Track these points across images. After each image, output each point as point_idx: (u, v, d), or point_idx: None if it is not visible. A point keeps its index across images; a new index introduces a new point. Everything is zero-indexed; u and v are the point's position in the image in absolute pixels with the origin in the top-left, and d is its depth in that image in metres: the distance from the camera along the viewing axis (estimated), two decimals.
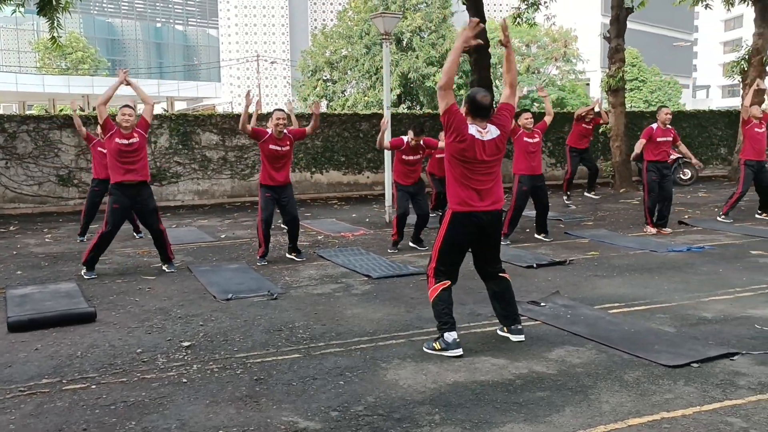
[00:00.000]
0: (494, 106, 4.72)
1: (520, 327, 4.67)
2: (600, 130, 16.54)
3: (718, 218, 10.20)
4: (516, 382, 3.87)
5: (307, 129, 7.92)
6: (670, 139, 9.06)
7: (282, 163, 7.62)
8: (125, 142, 6.99)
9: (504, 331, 4.70)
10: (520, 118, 8.61)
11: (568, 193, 12.45)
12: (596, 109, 12.39)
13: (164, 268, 7.32)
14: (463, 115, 4.44)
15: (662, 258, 7.54)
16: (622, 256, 7.71)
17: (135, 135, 7.06)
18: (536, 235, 8.92)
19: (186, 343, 4.71)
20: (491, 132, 4.46)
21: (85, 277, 7.01)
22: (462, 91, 32.44)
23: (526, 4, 16.40)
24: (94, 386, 3.95)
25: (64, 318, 5.31)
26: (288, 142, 7.64)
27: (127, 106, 7.17)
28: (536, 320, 5.15)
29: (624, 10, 15.04)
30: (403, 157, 8.24)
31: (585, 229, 9.70)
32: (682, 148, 9.29)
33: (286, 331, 4.97)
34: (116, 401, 3.72)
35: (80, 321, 5.30)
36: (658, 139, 8.98)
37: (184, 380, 4.02)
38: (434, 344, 4.47)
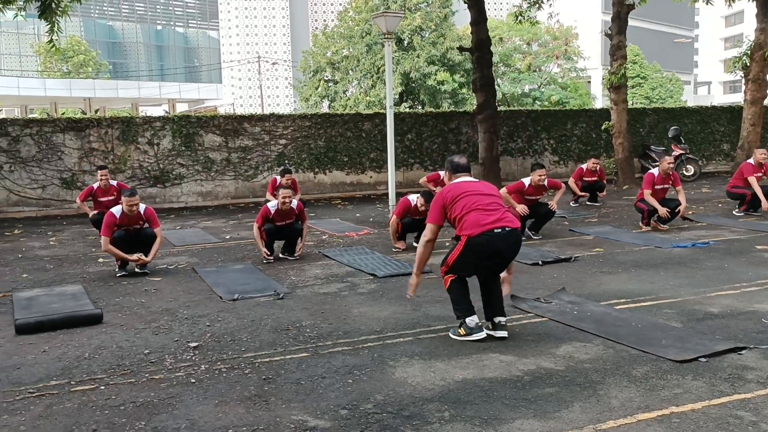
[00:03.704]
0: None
1: (503, 322, 4.64)
2: (603, 128, 16.56)
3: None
4: (524, 379, 3.87)
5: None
6: (668, 186, 9.29)
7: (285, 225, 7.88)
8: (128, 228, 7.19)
9: (488, 328, 4.66)
10: (533, 174, 8.78)
11: (576, 203, 12.37)
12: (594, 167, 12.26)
13: (137, 269, 7.34)
14: (447, 181, 4.86)
15: (667, 254, 7.54)
16: (626, 252, 7.71)
17: (139, 224, 7.24)
18: (527, 230, 8.87)
19: (193, 344, 4.72)
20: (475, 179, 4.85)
21: (117, 275, 7.16)
22: (464, 90, 32.45)
23: (528, 3, 16.38)
24: (102, 387, 3.96)
25: (71, 320, 5.32)
26: (293, 216, 7.85)
27: (132, 195, 7.17)
28: (543, 317, 5.15)
29: (625, 7, 15.03)
30: (407, 217, 8.31)
31: (589, 226, 9.70)
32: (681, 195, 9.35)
33: (294, 331, 4.98)
34: (125, 402, 3.72)
35: (87, 323, 5.31)
36: (657, 186, 9.20)
37: (193, 380, 4.03)
38: (459, 330, 4.61)
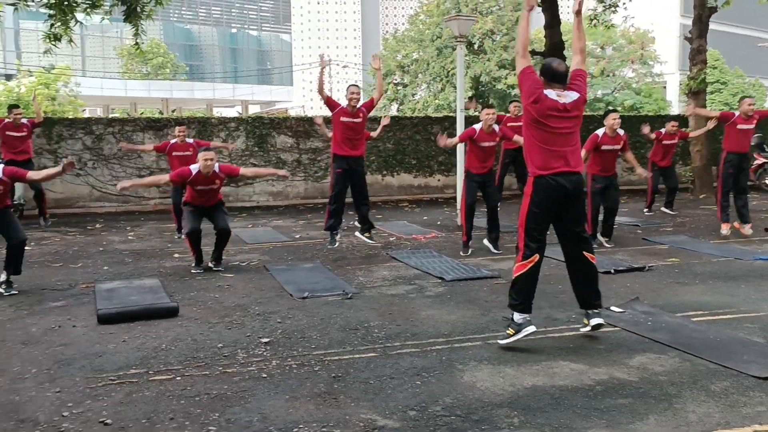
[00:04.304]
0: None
1: (598, 311, 4.63)
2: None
3: None
4: (596, 388, 3.79)
5: (374, 96, 8.17)
6: (752, 126, 8.90)
7: (356, 136, 7.88)
8: (206, 188, 7.33)
9: (584, 323, 4.67)
10: (607, 119, 8.53)
11: (650, 211, 11.96)
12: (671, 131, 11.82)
13: (211, 264, 7.54)
14: (539, 80, 4.60)
15: (748, 266, 7.24)
16: (704, 263, 7.44)
17: (216, 181, 7.38)
18: (599, 236, 8.69)
19: (265, 340, 4.82)
20: (569, 96, 4.56)
21: (193, 271, 7.36)
22: None
23: (604, 6, 16.02)
24: (179, 378, 4.09)
25: (149, 312, 5.53)
26: (361, 115, 7.87)
27: (207, 150, 7.33)
28: (615, 326, 5.03)
29: (707, 10, 14.53)
30: (481, 144, 8.04)
31: (664, 235, 9.41)
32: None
33: (362, 330, 5.02)
34: (200, 393, 3.84)
35: (164, 315, 5.50)
36: (739, 126, 8.84)
37: (264, 375, 4.12)
38: (508, 331, 4.54)
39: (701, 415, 3.40)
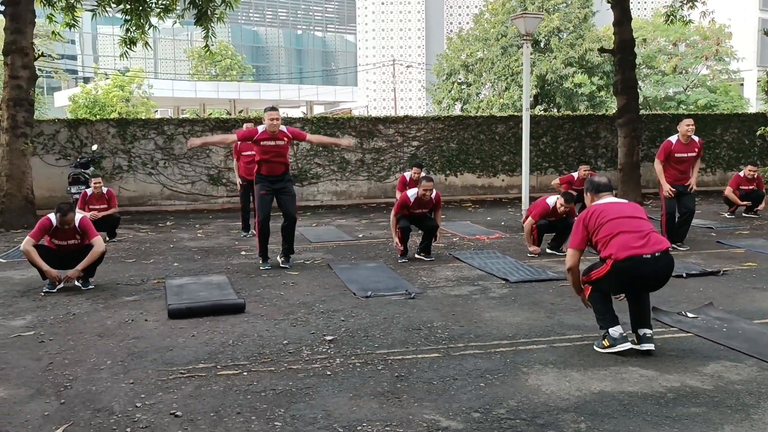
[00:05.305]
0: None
1: (649, 334, 4.41)
2: (758, 134, 15.40)
3: None
4: (667, 396, 3.67)
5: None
6: None
7: (427, 207, 7.99)
8: (272, 143, 7.36)
9: (634, 342, 4.44)
10: (681, 125, 8.32)
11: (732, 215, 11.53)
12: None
13: (279, 260, 7.64)
14: (589, 203, 4.65)
15: None
16: None
17: (283, 138, 7.41)
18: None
19: (329, 337, 4.87)
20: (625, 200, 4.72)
21: (261, 268, 7.48)
22: (602, 93, 31.30)
23: (681, 1, 15.43)
24: (245, 373, 4.17)
25: (217, 308, 5.66)
26: (431, 205, 7.95)
27: (273, 109, 7.47)
28: (687, 332, 4.86)
29: None
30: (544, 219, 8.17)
31: (740, 239, 9.05)
32: None
33: (425, 331, 5.01)
34: (266, 389, 3.90)
35: (231, 311, 5.62)
36: None
37: (328, 373, 4.16)
38: (603, 342, 4.44)
39: None
